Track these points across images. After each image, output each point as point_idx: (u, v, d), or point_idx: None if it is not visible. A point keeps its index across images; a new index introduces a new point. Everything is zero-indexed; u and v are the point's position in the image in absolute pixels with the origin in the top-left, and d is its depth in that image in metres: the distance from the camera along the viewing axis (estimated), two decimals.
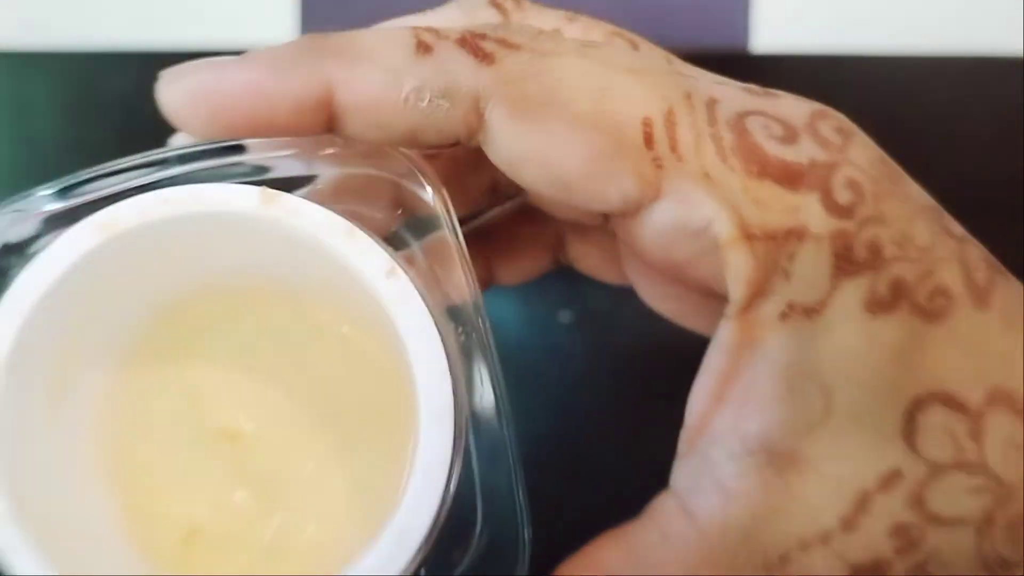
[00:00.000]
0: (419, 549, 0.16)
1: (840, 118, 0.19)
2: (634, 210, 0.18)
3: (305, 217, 0.16)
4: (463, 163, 0.22)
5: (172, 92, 0.18)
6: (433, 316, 0.16)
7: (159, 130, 0.53)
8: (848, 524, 0.18)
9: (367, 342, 0.19)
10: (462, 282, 0.17)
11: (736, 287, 0.18)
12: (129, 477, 0.19)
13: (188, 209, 0.16)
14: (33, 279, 0.16)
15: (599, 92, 0.18)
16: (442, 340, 0.16)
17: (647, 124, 0.18)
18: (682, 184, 0.18)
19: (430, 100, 0.18)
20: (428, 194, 0.18)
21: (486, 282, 0.24)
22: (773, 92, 0.19)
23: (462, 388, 0.17)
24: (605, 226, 0.23)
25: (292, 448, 0.19)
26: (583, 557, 0.19)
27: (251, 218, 0.16)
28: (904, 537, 0.18)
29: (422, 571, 0.17)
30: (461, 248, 0.18)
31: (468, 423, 0.17)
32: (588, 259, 0.25)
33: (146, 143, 0.53)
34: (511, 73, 0.18)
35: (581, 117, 0.18)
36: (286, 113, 0.17)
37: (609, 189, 0.18)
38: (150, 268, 0.18)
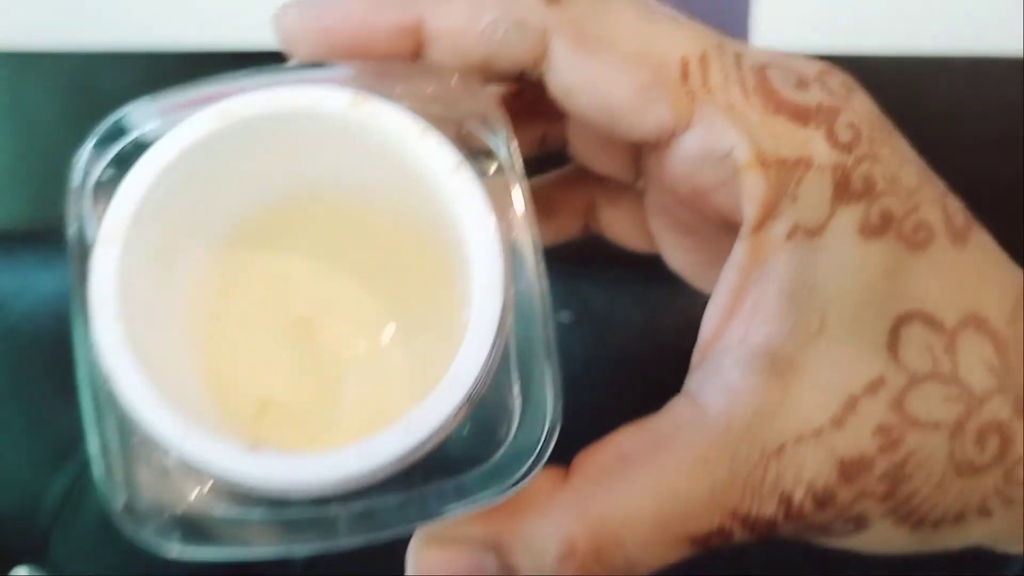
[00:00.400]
0: (468, 396, 0.18)
1: (845, 76, 0.22)
2: (667, 138, 0.21)
3: (387, 117, 0.19)
4: (517, 117, 0.25)
5: (287, 18, 0.21)
6: (492, 205, 0.19)
7: None
8: (838, 423, 0.20)
9: (431, 234, 0.21)
10: (520, 217, 0.20)
11: (750, 207, 0.21)
12: (215, 348, 0.21)
13: (291, 104, 0.19)
14: (157, 155, 0.19)
15: (646, 34, 0.21)
16: (497, 228, 0.19)
17: (684, 62, 0.21)
18: (710, 114, 0.20)
19: (504, 31, 0.20)
20: (497, 136, 0.21)
21: None
22: (788, 54, 0.22)
23: (510, 271, 0.19)
24: (634, 189, 0.26)
25: (358, 334, 0.22)
26: (604, 441, 0.22)
27: (342, 117, 0.19)
28: (886, 436, 0.20)
29: (467, 429, 0.20)
30: (523, 184, 0.20)
31: (513, 301, 0.20)
32: (617, 224, 0.28)
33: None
34: (573, 13, 0.21)
35: (630, 54, 0.20)
36: (383, 38, 0.20)
37: (648, 117, 0.20)
38: (253, 159, 0.20)
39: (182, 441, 0.18)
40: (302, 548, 0.19)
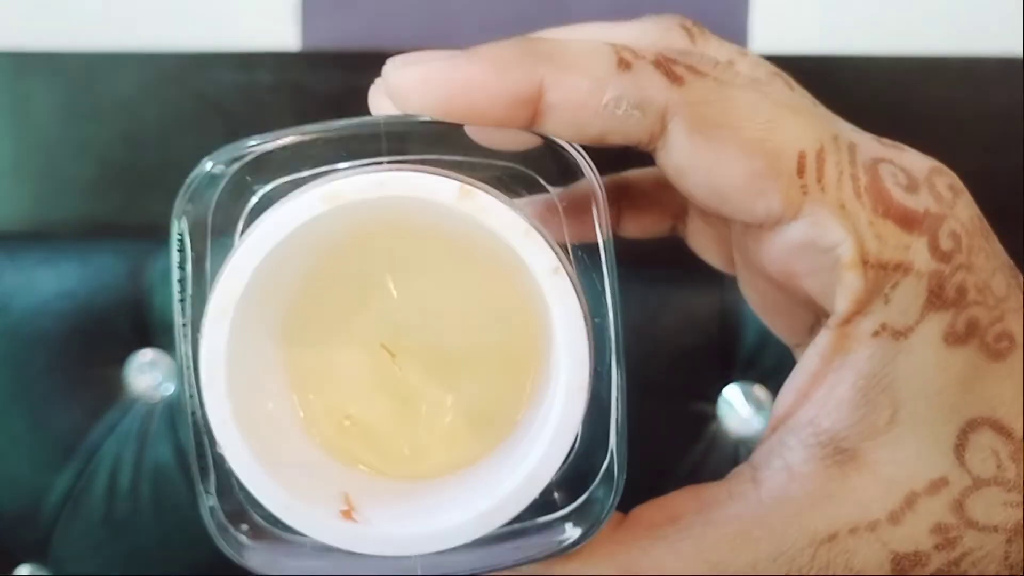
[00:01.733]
0: (539, 493, 0.20)
1: (952, 176, 0.22)
2: (772, 224, 0.21)
3: (492, 215, 0.20)
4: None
5: (405, 75, 0.21)
6: (584, 312, 0.20)
7: (159, 130, 0.53)
8: (895, 518, 0.21)
9: (521, 309, 0.22)
10: (596, 226, 0.21)
11: (843, 302, 0.21)
12: (305, 378, 0.23)
13: (399, 192, 0.20)
14: (264, 236, 0.20)
15: (765, 123, 0.21)
16: (588, 335, 0.20)
17: (802, 157, 0.21)
18: (820, 210, 0.21)
19: (625, 109, 0.20)
20: (572, 152, 0.21)
21: (613, 228, 0.27)
22: (899, 145, 0.22)
23: (594, 369, 0.20)
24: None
25: (435, 373, 0.23)
26: (659, 500, 0.22)
27: (448, 208, 0.20)
28: (943, 535, 0.21)
29: (554, 494, 0.21)
30: (600, 193, 0.21)
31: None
32: (701, 238, 0.28)
33: (146, 143, 0.53)
34: (695, 95, 0.21)
35: (748, 142, 0.21)
36: (501, 106, 0.20)
37: (758, 204, 0.21)
38: (353, 227, 0.22)
39: (286, 512, 0.20)
40: None
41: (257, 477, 0.20)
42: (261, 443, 0.20)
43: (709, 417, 0.46)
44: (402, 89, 0.21)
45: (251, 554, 0.22)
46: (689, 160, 0.21)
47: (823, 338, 0.22)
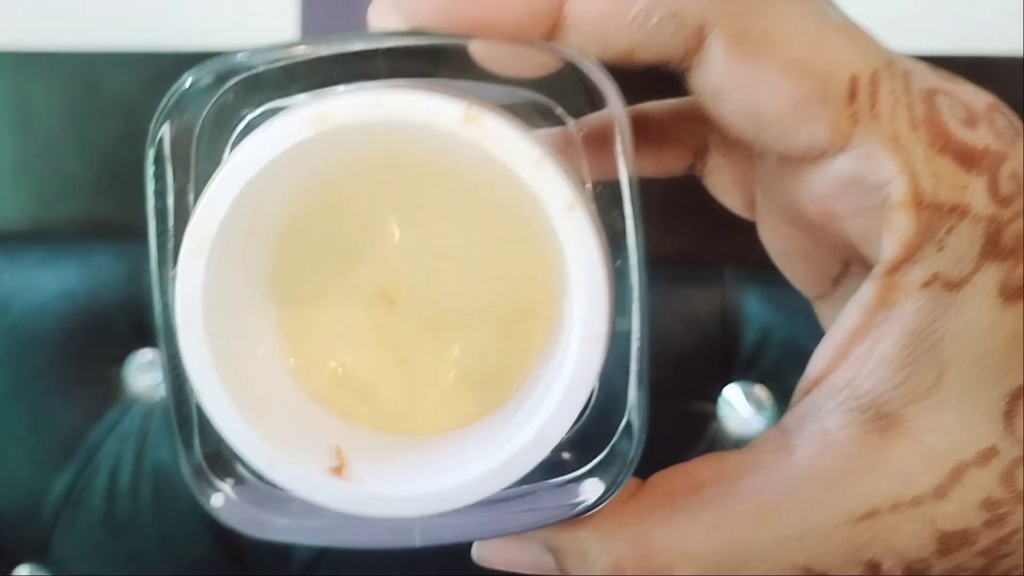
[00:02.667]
0: (550, 452, 0.18)
1: (1012, 114, 0.20)
2: (816, 157, 0.19)
3: (501, 142, 0.18)
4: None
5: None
6: (602, 253, 0.18)
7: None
8: (941, 492, 0.19)
9: (533, 252, 0.20)
10: (619, 157, 0.19)
11: (892, 247, 0.19)
12: (296, 320, 0.21)
13: (397, 115, 0.18)
14: (242, 165, 0.18)
15: (814, 41, 0.19)
16: (606, 278, 0.18)
17: (854, 80, 0.19)
18: (871, 142, 0.19)
19: (659, 20, 0.18)
20: (597, 75, 0.19)
21: None
22: (955, 77, 0.20)
23: (613, 322, 0.18)
24: (751, 152, 0.24)
25: (437, 323, 0.21)
26: (679, 467, 0.20)
27: (452, 134, 0.18)
28: (993, 511, 0.19)
29: (564, 454, 0.19)
30: (624, 119, 0.19)
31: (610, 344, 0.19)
32: (720, 177, 0.26)
33: (146, 143, 0.53)
34: (737, 6, 0.19)
35: (795, 61, 0.19)
36: (517, 15, 0.18)
37: (802, 132, 0.19)
38: (347, 165, 0.20)
39: (269, 467, 0.18)
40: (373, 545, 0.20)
41: (236, 426, 0.18)
42: (244, 392, 0.19)
43: (709, 417, 0.46)
44: (412, 15, 0.19)
45: (233, 510, 0.20)
46: (727, 80, 0.19)
47: (866, 289, 0.19)
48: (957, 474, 0.19)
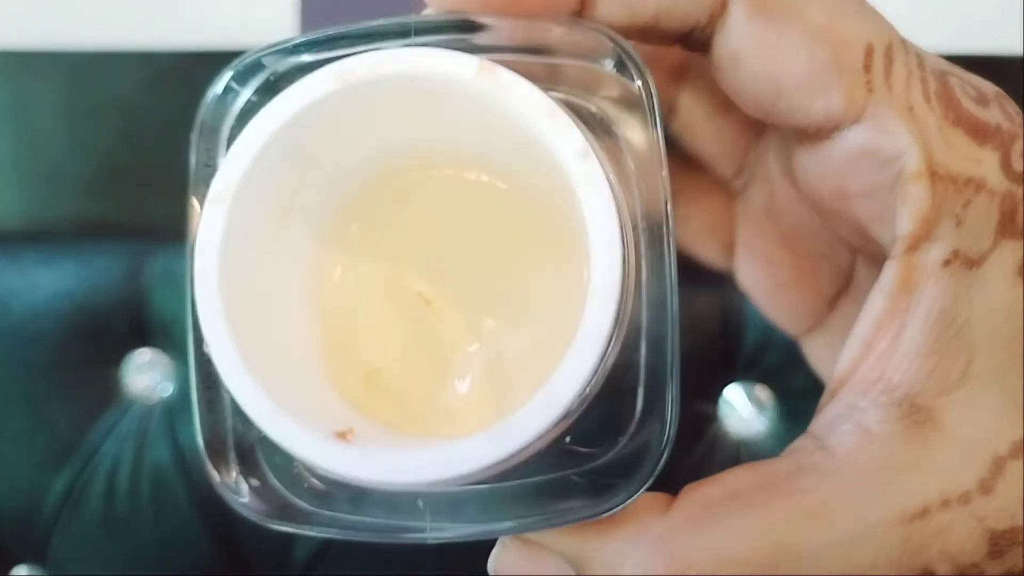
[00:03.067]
0: (565, 413, 0.17)
1: (1016, 106, 0.20)
2: (830, 128, 0.19)
3: (515, 91, 0.18)
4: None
5: None
6: (617, 201, 0.17)
7: (158, 129, 0.53)
8: (985, 487, 0.18)
9: (557, 217, 0.20)
10: (657, 180, 0.19)
11: (908, 221, 0.19)
12: (328, 315, 0.21)
13: (415, 69, 0.18)
14: (271, 114, 0.18)
15: (832, 11, 0.19)
16: (620, 227, 0.17)
17: (870, 49, 0.19)
18: (885, 112, 0.18)
19: None
20: (636, 84, 0.19)
21: None
22: (962, 68, 0.20)
23: (631, 273, 0.18)
24: (727, 188, 0.23)
25: (474, 318, 0.21)
26: (714, 478, 0.19)
27: (467, 85, 0.18)
28: None
29: (567, 439, 0.18)
30: (659, 139, 0.19)
31: (633, 306, 0.18)
32: (691, 225, 0.26)
33: (146, 143, 0.53)
34: None
35: (813, 28, 0.19)
36: None
37: (817, 101, 0.19)
38: (372, 123, 0.19)
39: (269, 422, 0.18)
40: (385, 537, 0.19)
41: (241, 378, 0.18)
42: (259, 354, 0.18)
43: (710, 418, 0.46)
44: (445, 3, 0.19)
45: (249, 498, 0.19)
46: (747, 44, 0.19)
47: (888, 272, 0.19)
48: (997, 467, 0.18)
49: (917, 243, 0.19)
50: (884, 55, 0.19)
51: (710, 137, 0.24)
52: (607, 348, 0.17)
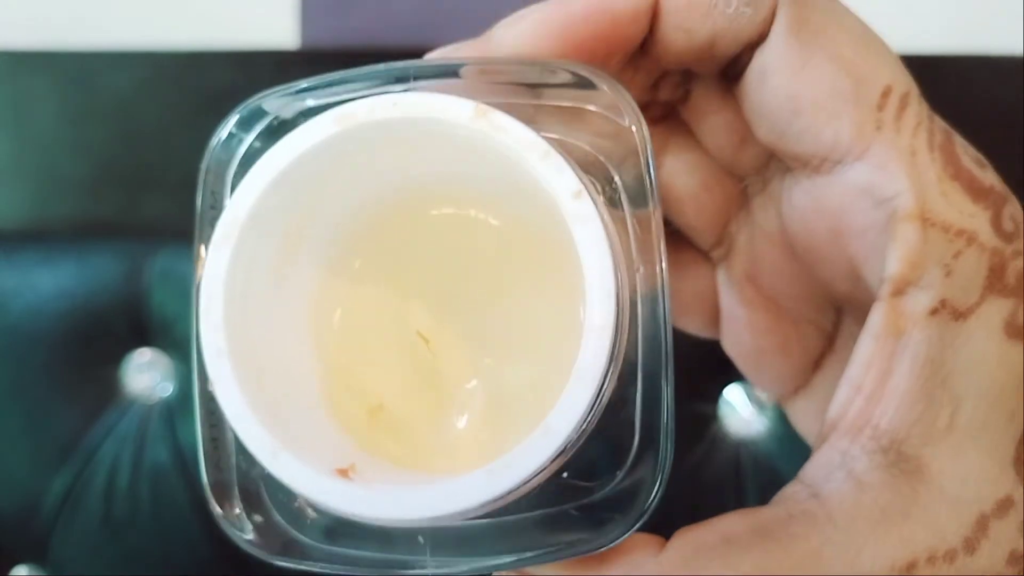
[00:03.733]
0: (562, 448, 0.17)
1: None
2: (834, 160, 0.20)
3: (509, 133, 0.18)
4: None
5: (517, 32, 0.20)
6: (610, 240, 0.18)
7: (157, 129, 0.53)
8: (971, 546, 0.18)
9: (549, 256, 0.21)
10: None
11: (896, 261, 0.19)
12: (331, 352, 0.21)
13: (412, 112, 0.18)
14: (275, 157, 0.19)
15: (863, 48, 0.20)
16: (614, 265, 0.18)
17: (887, 90, 0.20)
18: (888, 152, 0.19)
19: (736, 7, 0.20)
20: (628, 124, 0.20)
21: None
22: None
23: (625, 310, 0.18)
24: (708, 259, 0.24)
25: (470, 357, 0.22)
26: (707, 522, 0.20)
27: (463, 127, 0.18)
28: (1018, 566, 0.19)
29: (564, 474, 0.19)
30: (651, 179, 0.20)
31: (629, 341, 0.19)
32: (678, 298, 0.26)
33: (146, 142, 0.53)
34: None
35: (841, 57, 0.20)
36: (627, 21, 0.20)
37: (828, 128, 0.19)
38: (371, 165, 0.20)
39: (272, 459, 0.18)
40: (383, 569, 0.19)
41: (245, 418, 0.18)
42: (262, 390, 0.19)
43: (710, 418, 0.46)
44: (521, 44, 0.20)
45: (253, 535, 0.20)
46: (778, 60, 0.20)
47: (875, 315, 0.19)
48: (982, 526, 0.18)
49: (904, 286, 0.19)
50: (899, 99, 0.20)
51: (692, 210, 0.24)
52: (603, 384, 0.18)
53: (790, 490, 0.20)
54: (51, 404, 0.47)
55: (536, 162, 0.18)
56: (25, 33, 0.53)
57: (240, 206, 0.19)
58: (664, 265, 0.19)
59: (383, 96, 0.19)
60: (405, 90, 0.19)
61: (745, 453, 0.45)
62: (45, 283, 0.47)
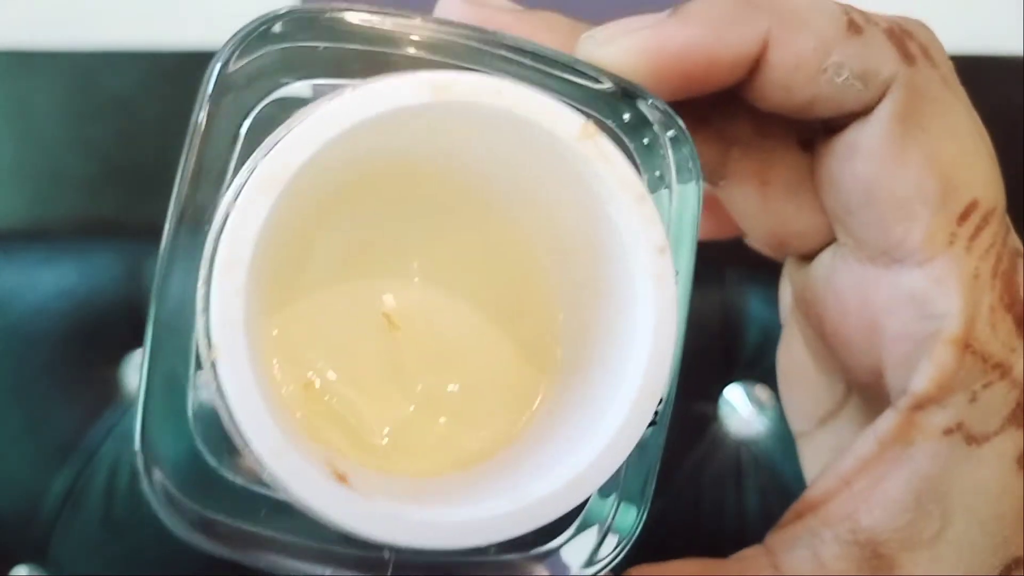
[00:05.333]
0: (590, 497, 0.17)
1: None
2: (894, 259, 0.19)
3: (611, 164, 0.17)
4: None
5: (611, 52, 0.19)
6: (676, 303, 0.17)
7: (158, 129, 0.53)
8: None
9: (541, 294, 0.20)
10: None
11: (924, 380, 0.19)
12: (290, 331, 0.19)
13: (517, 109, 0.16)
14: (348, 109, 0.16)
15: (961, 150, 0.19)
16: (675, 335, 0.17)
17: (972, 206, 0.19)
18: (951, 270, 0.19)
19: (846, 78, 0.18)
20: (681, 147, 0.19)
21: None
22: None
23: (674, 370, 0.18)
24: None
25: (439, 356, 0.20)
26: (663, 565, 0.20)
27: (564, 145, 0.17)
28: None
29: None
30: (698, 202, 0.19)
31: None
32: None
33: (146, 142, 0.53)
34: (920, 82, 0.19)
35: (938, 159, 0.19)
36: (725, 68, 0.18)
37: (898, 227, 0.19)
38: (436, 140, 0.18)
39: (275, 457, 0.16)
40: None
41: (254, 407, 0.15)
42: (259, 373, 0.16)
43: (710, 418, 0.46)
44: (614, 66, 0.18)
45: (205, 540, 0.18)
46: (874, 142, 0.19)
47: (886, 420, 0.19)
48: None
49: (925, 404, 0.19)
50: (982, 216, 0.19)
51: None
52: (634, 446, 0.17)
53: (751, 552, 0.20)
54: (51, 404, 0.47)
55: (628, 204, 0.17)
56: (26, 33, 0.53)
57: (296, 151, 0.16)
58: (681, 331, 0.18)
59: (488, 78, 0.17)
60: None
61: (745, 453, 0.46)
62: (46, 282, 0.47)
